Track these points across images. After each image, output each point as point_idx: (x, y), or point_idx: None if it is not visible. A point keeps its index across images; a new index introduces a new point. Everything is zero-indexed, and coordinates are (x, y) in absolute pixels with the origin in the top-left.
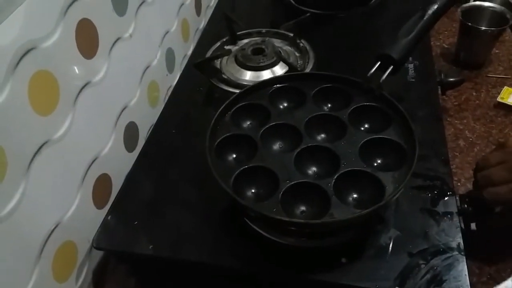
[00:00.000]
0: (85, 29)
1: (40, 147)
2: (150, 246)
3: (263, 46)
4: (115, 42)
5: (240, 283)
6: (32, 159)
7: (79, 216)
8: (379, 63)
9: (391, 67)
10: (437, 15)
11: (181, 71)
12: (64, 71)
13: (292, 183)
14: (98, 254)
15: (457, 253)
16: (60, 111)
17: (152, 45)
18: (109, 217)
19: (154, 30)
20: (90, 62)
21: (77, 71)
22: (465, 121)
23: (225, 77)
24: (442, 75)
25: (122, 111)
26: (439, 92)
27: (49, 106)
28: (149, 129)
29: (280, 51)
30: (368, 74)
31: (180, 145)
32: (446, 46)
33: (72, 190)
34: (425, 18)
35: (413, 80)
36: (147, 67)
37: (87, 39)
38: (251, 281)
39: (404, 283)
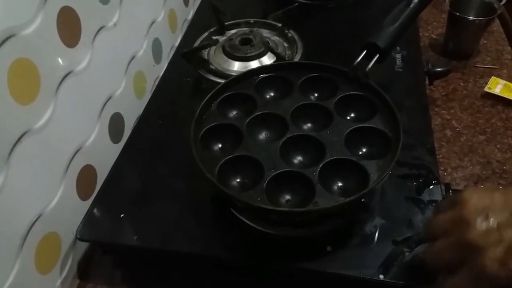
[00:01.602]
0: (67, 17)
1: (21, 137)
2: (135, 237)
3: (251, 37)
4: (99, 31)
5: (226, 273)
6: (12, 149)
7: (62, 207)
8: (365, 51)
9: (377, 55)
10: (423, 3)
11: (168, 62)
12: (45, 59)
13: (277, 172)
14: (83, 246)
15: None
16: (41, 101)
17: (138, 35)
18: (93, 208)
19: (139, 19)
20: (72, 51)
21: (58, 59)
22: (452, 111)
23: (213, 67)
24: (430, 65)
25: (107, 101)
26: (426, 82)
27: (29, 95)
28: (136, 120)
29: (268, 41)
30: (355, 63)
31: (166, 136)
32: (434, 37)
33: (55, 181)
34: (411, 6)
35: (401, 70)
36: (133, 57)
37: (69, 27)
38: (237, 271)
39: (388, 271)
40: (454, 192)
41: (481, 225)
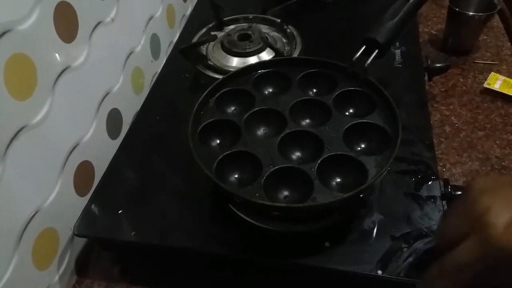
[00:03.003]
0: (64, 12)
1: (17, 132)
2: (133, 233)
3: (250, 32)
4: (96, 26)
5: (225, 268)
6: (8, 145)
7: (60, 203)
8: (364, 47)
9: (376, 51)
10: None
11: (166, 58)
12: (41, 54)
13: (275, 168)
14: (81, 242)
15: None
16: (38, 96)
17: (136, 30)
18: (91, 204)
19: (137, 15)
20: (69, 46)
21: (55, 55)
22: (451, 107)
23: (211, 63)
24: (429, 61)
25: (104, 97)
26: (426, 78)
27: (26, 90)
28: (134, 116)
29: (267, 37)
30: (354, 59)
31: (165, 132)
32: (434, 33)
33: (52, 176)
34: (410, 1)
35: (400, 65)
36: (131, 53)
37: (66, 22)
38: (236, 267)
39: (387, 266)
40: (453, 187)
41: (484, 200)
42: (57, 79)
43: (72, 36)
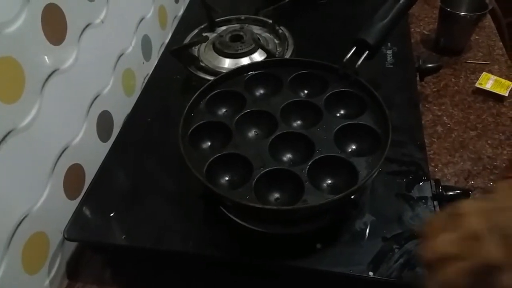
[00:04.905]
0: (52, 14)
1: (5, 136)
2: (123, 236)
3: (242, 33)
4: (85, 28)
5: (217, 271)
6: None
7: (50, 207)
8: (354, 48)
9: (367, 52)
10: None
11: (158, 59)
12: (29, 57)
13: (266, 170)
14: (72, 246)
15: None
16: (26, 99)
17: (126, 32)
18: (81, 208)
19: (128, 16)
20: (57, 48)
21: (44, 57)
22: (443, 107)
23: (203, 64)
24: (421, 61)
25: (95, 99)
26: (417, 78)
27: (14, 93)
28: (125, 118)
29: (258, 38)
30: (344, 60)
31: (156, 134)
32: (426, 33)
33: (42, 180)
34: (400, 2)
35: (392, 66)
36: (121, 55)
37: (54, 25)
38: (228, 268)
39: (378, 268)
40: (444, 188)
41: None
42: (45, 82)
43: (61, 39)
